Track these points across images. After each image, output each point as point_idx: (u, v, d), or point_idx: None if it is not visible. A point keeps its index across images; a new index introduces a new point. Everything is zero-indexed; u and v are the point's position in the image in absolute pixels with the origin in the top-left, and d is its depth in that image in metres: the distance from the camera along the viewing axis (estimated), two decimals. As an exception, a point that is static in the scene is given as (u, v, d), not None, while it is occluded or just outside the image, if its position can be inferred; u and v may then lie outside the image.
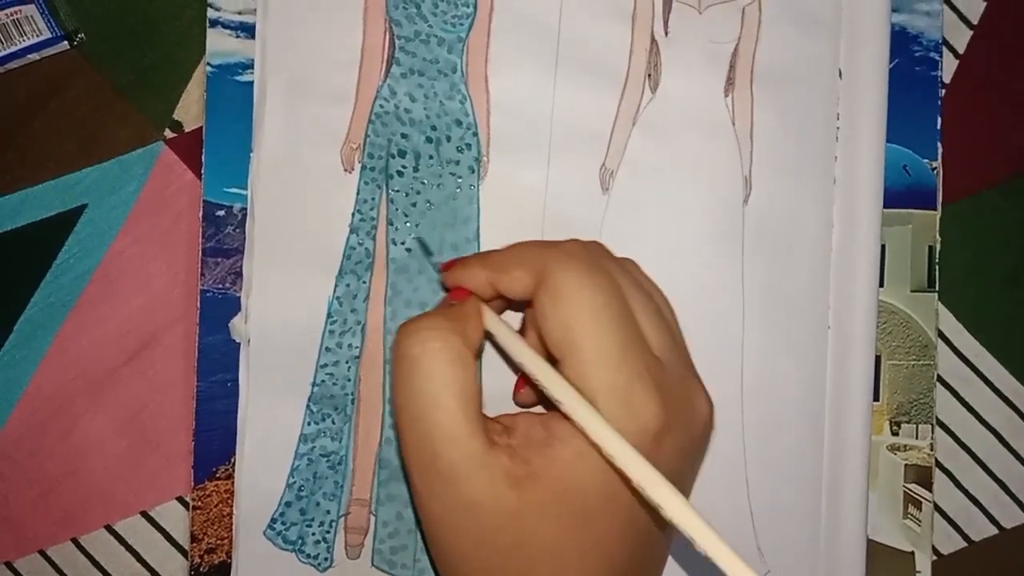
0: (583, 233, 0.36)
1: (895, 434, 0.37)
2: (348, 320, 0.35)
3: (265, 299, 0.35)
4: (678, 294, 0.36)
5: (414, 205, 0.36)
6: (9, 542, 0.37)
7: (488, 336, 0.31)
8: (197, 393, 0.35)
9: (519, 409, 0.33)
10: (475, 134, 0.36)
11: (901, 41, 0.37)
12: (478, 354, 0.30)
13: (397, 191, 0.36)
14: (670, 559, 0.34)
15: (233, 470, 0.35)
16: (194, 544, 0.35)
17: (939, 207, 0.37)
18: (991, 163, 0.39)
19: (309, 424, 0.35)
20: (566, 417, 0.28)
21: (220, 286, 0.35)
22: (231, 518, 0.35)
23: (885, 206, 0.36)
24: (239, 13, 0.35)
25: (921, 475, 0.37)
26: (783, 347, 0.36)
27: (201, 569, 0.35)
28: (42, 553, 0.37)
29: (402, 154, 0.36)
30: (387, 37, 0.36)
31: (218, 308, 0.35)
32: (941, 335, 0.38)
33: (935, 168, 0.37)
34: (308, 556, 0.35)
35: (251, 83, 0.35)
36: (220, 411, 0.35)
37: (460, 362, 0.28)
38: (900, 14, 0.37)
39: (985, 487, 0.38)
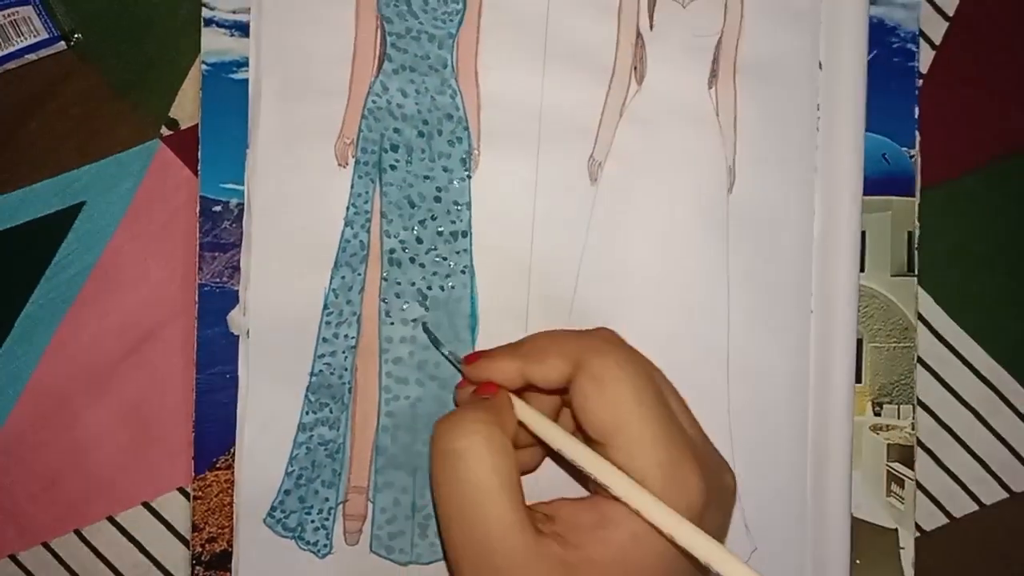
0: (572, 224, 0.37)
1: (877, 415, 0.38)
2: (344, 311, 0.36)
3: (262, 292, 0.36)
4: (665, 282, 0.37)
5: (407, 198, 0.37)
6: (13, 535, 0.37)
7: (521, 426, 0.31)
8: (196, 385, 0.36)
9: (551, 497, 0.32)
10: (466, 128, 0.37)
11: (879, 33, 0.38)
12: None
13: (390, 184, 0.36)
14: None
15: (233, 460, 0.36)
16: (195, 534, 0.36)
17: (917, 194, 0.38)
18: (968, 150, 0.40)
19: (307, 413, 0.36)
20: (616, 499, 0.28)
21: (218, 280, 0.36)
22: (231, 507, 0.36)
23: (865, 193, 0.37)
24: (233, 12, 0.36)
25: (903, 454, 0.38)
26: (767, 332, 0.37)
27: (203, 558, 0.36)
28: (46, 545, 0.38)
29: (395, 148, 0.37)
30: (379, 34, 0.37)
31: (216, 302, 0.36)
32: (921, 318, 0.39)
33: (913, 156, 0.38)
34: (307, 543, 0.36)
35: (246, 80, 0.36)
36: (219, 402, 0.36)
37: (504, 453, 0.28)
38: (878, 7, 0.38)
39: (966, 465, 0.39)
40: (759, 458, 0.37)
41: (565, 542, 0.28)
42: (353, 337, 0.36)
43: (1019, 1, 0.40)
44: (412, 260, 0.36)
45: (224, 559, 0.36)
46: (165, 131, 0.38)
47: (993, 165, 0.40)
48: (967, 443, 0.39)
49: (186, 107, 0.38)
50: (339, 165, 0.36)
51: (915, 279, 0.38)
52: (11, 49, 0.36)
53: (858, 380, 0.37)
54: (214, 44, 0.36)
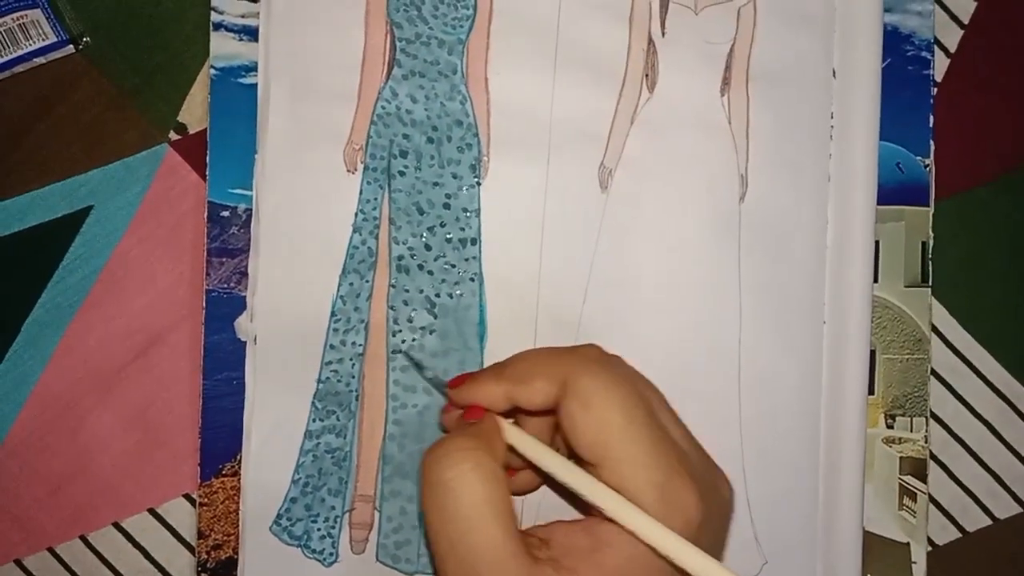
0: (582, 232, 0.36)
1: (890, 427, 0.37)
2: (352, 318, 0.36)
3: (270, 298, 0.36)
4: (677, 290, 0.37)
5: (416, 204, 0.36)
6: (18, 539, 0.37)
7: (510, 450, 0.30)
8: (203, 391, 0.36)
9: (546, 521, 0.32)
10: (475, 134, 0.36)
11: (893, 41, 0.38)
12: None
13: (399, 191, 0.36)
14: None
15: (239, 467, 0.36)
16: (201, 540, 0.36)
17: (932, 203, 0.38)
18: (983, 160, 0.39)
19: (314, 421, 0.36)
20: (610, 521, 0.28)
21: (225, 286, 0.36)
22: (237, 514, 0.36)
23: (879, 203, 0.37)
24: (242, 16, 0.36)
25: (916, 467, 0.37)
26: (779, 342, 0.37)
27: (208, 565, 0.36)
28: (51, 551, 0.37)
29: (404, 154, 0.36)
30: (388, 39, 0.36)
31: (223, 307, 0.36)
32: (935, 329, 0.39)
33: (927, 165, 0.38)
34: (313, 551, 0.36)
35: (254, 85, 0.36)
36: (226, 409, 0.36)
37: (494, 480, 0.28)
38: (892, 14, 0.38)
39: (979, 478, 0.39)
40: (770, 469, 0.36)
41: (560, 567, 0.27)
42: (361, 344, 0.36)
43: (1036, 9, 0.39)
44: (420, 267, 0.36)
45: (230, 566, 0.36)
46: (173, 135, 0.38)
47: (1009, 174, 0.39)
48: (980, 456, 0.39)
49: (195, 111, 0.37)
50: (348, 171, 0.36)
51: (929, 290, 0.38)
52: (20, 52, 0.36)
53: (871, 392, 0.37)
54: (223, 48, 0.36)
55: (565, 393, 0.29)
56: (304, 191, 0.36)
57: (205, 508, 0.36)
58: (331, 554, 0.36)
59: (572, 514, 0.32)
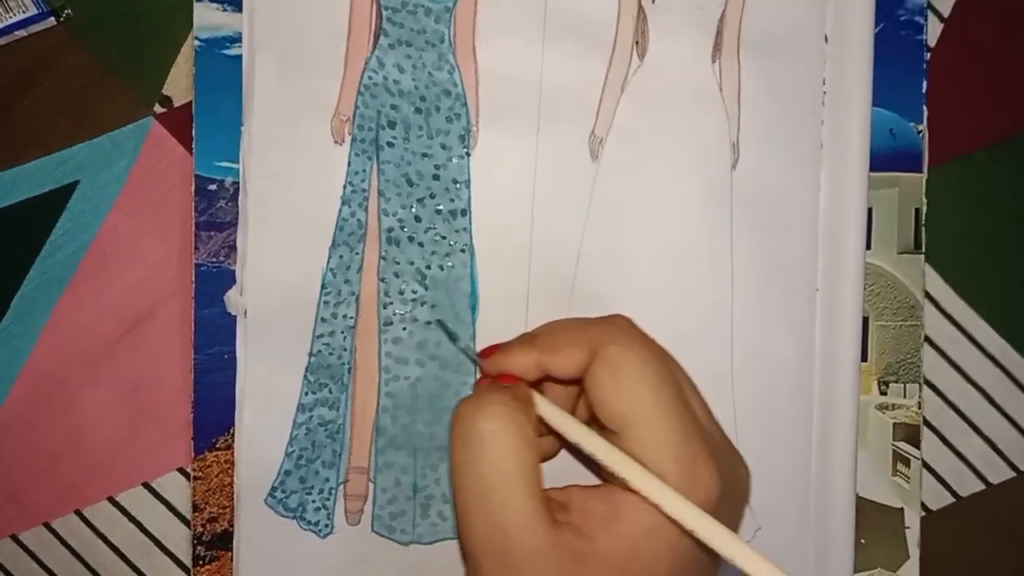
0: (573, 201, 0.36)
1: (883, 393, 0.37)
2: (342, 291, 0.36)
3: (260, 271, 0.35)
4: (668, 260, 0.36)
5: (405, 176, 0.36)
6: (13, 515, 0.37)
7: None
8: (195, 365, 0.35)
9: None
10: (464, 104, 0.36)
11: (886, 5, 0.37)
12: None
13: (388, 162, 0.36)
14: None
15: (233, 440, 0.36)
16: (196, 513, 0.36)
17: (925, 170, 0.37)
18: (977, 126, 0.39)
19: (307, 394, 0.36)
20: (629, 490, 0.28)
21: (214, 259, 0.36)
22: (232, 487, 0.36)
23: (872, 169, 0.37)
24: (226, -14, 0.35)
25: (909, 433, 0.37)
26: (772, 310, 0.37)
27: (204, 538, 0.36)
28: (46, 525, 0.38)
29: (392, 125, 0.36)
30: (374, 8, 0.36)
31: (213, 281, 0.36)
32: (928, 296, 0.38)
33: (921, 131, 0.37)
34: (309, 523, 0.36)
35: (239, 56, 0.35)
36: (218, 383, 0.35)
37: (526, 441, 0.28)
38: (886, -23, 0.37)
39: (972, 444, 0.39)
40: (763, 436, 0.37)
41: (580, 533, 0.27)
42: (352, 317, 0.36)
43: (1032, -30, 0.39)
44: (411, 239, 0.36)
45: (225, 539, 0.36)
46: (159, 108, 0.37)
47: (1003, 141, 0.39)
48: (974, 422, 0.39)
49: (179, 84, 0.37)
50: (335, 142, 0.36)
51: (922, 256, 0.37)
52: (0, 25, 0.35)
53: (864, 359, 0.37)
54: (207, 19, 0.35)
55: (595, 361, 0.29)
56: (292, 163, 0.35)
57: (199, 481, 0.36)
58: (326, 526, 0.36)
59: (581, 475, 0.32)
